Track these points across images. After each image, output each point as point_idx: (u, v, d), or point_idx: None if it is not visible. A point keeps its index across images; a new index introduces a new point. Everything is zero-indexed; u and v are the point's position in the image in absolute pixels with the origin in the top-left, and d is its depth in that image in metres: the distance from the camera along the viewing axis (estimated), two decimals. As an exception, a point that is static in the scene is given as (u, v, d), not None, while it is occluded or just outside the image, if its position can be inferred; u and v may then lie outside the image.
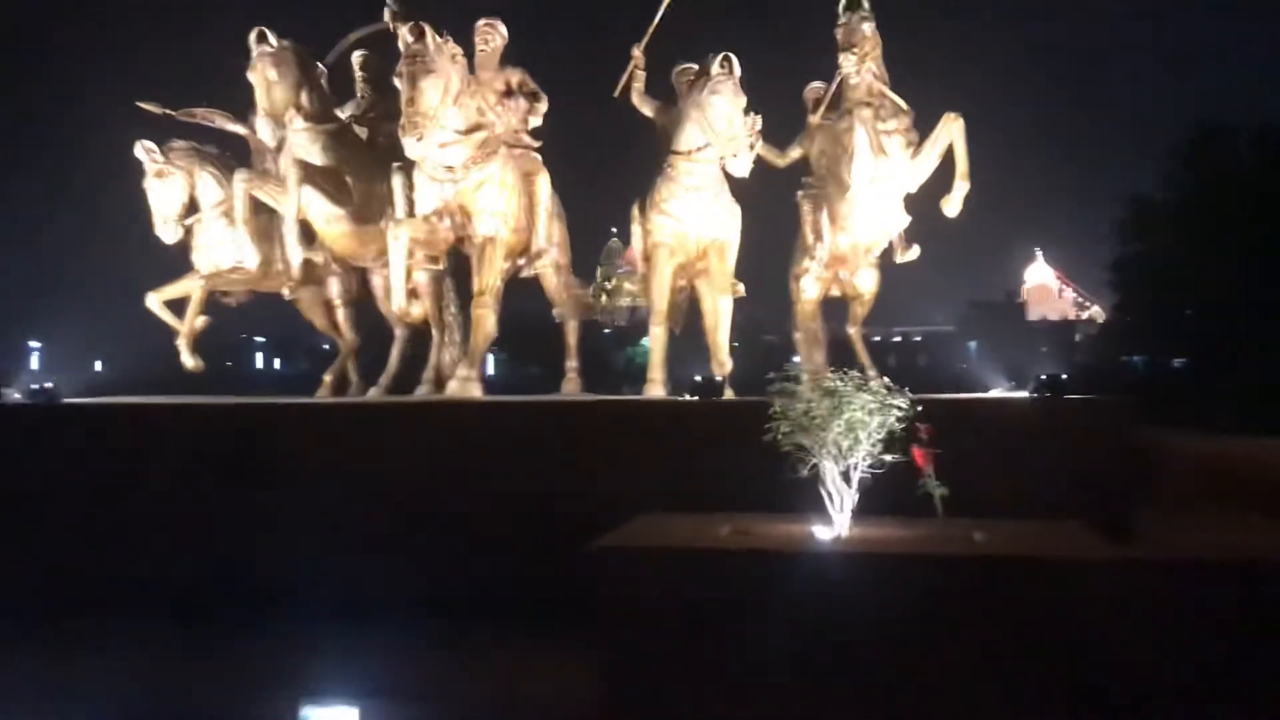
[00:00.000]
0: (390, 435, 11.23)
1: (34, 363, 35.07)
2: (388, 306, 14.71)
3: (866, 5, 13.76)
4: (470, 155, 12.53)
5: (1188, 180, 40.02)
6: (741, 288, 13.87)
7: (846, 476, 8.19)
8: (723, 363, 13.51)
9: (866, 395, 8.15)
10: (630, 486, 9.68)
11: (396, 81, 12.05)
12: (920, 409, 8.35)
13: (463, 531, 10.46)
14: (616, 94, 15.02)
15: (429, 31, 11.93)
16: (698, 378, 10.95)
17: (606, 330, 45.13)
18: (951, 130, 13.26)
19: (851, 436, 8.04)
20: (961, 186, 13.31)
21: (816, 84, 15.29)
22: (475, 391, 12.56)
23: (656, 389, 13.52)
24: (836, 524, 8.15)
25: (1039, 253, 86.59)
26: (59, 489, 11.54)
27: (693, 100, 13.02)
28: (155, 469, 11.47)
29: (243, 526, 10.97)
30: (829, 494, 8.24)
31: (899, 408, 8.22)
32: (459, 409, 11.91)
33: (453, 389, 12.84)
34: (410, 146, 11.74)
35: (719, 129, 12.65)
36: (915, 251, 14.68)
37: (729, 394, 12.62)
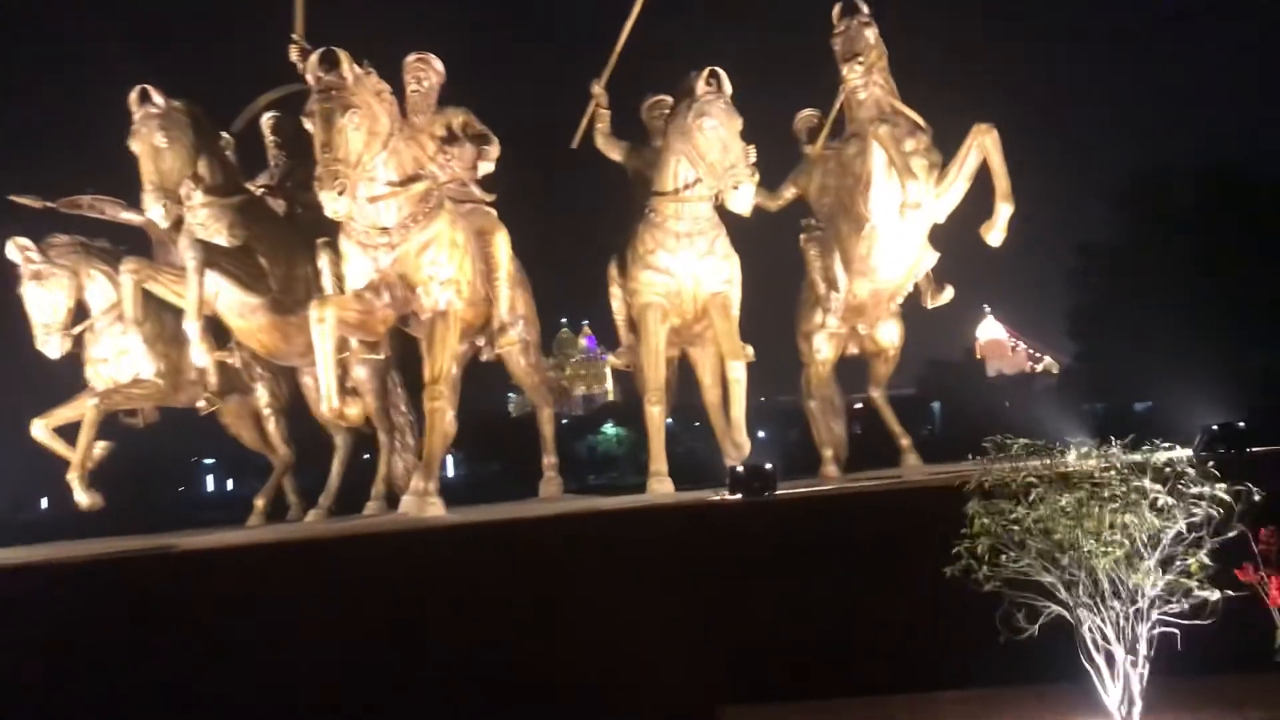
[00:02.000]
0: (331, 577, 7.86)
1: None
2: (321, 411, 11.57)
3: (866, 10, 11.14)
4: (409, 212, 9.59)
5: (1131, 225, 38.60)
6: (751, 350, 10.86)
7: (1125, 633, 4.98)
8: (741, 444, 10.56)
9: (1145, 481, 4.91)
10: (671, 652, 6.41)
11: (307, 123, 9.07)
12: (1258, 496, 4.96)
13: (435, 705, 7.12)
14: (576, 143, 12.24)
15: (346, 60, 9.04)
16: (738, 467, 7.76)
17: (564, 420, 41.92)
18: (985, 145, 10.66)
19: (1124, 556, 4.85)
20: (1004, 210, 10.64)
21: (809, 111, 12.74)
22: (436, 510, 9.38)
23: (664, 483, 10.52)
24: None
25: (988, 309, 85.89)
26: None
27: (676, 129, 10.23)
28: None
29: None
30: (1094, 666, 5.09)
31: (1215, 498, 4.90)
32: (418, 538, 8.46)
33: (408, 507, 9.72)
34: (330, 202, 8.74)
35: (713, 158, 9.86)
36: (949, 294, 12.03)
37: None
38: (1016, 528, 4.94)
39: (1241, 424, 7.52)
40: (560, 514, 8.72)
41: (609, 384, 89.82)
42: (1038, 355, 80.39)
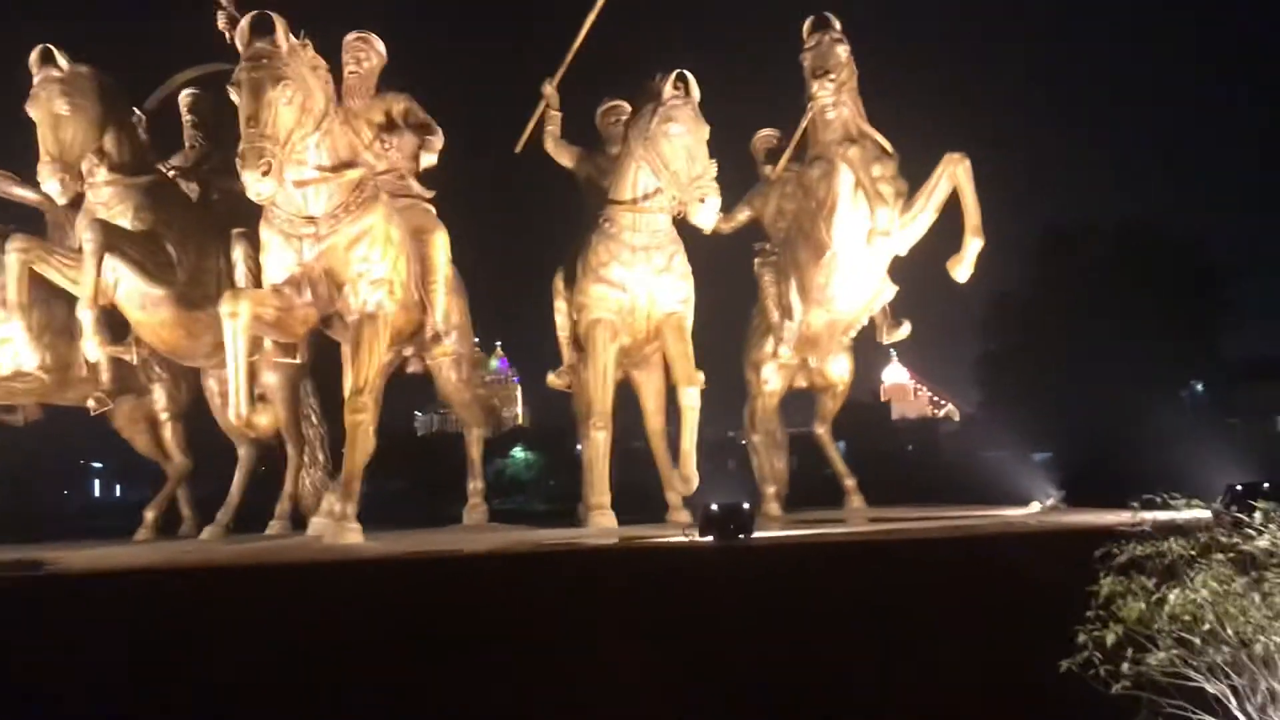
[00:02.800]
0: (230, 614, 6.59)
1: None
2: (226, 418, 10.27)
3: (838, 26, 10.39)
4: (340, 201, 8.46)
5: (1039, 278, 38.92)
6: (702, 376, 9.91)
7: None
8: (689, 478, 9.61)
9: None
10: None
11: (233, 94, 7.91)
12: None
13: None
14: (520, 147, 11.25)
15: (281, 27, 7.94)
16: (713, 505, 6.75)
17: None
18: (956, 175, 9.96)
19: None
20: (974, 244, 9.95)
21: (767, 131, 12.00)
22: (354, 537, 8.18)
23: (607, 517, 9.51)
24: None
25: (893, 353, 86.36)
26: None
27: (638, 134, 9.29)
28: None
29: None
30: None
31: None
32: (339, 570, 7.10)
33: (321, 530, 8.53)
34: (252, 183, 7.58)
35: (677, 167, 8.97)
36: (905, 329, 11.28)
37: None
38: (1170, 616, 3.86)
39: (1266, 485, 6.81)
40: (509, 550, 7.62)
41: (519, 407, 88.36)
42: (940, 401, 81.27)
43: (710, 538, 6.65)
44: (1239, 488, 6.54)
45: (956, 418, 69.53)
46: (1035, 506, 10.42)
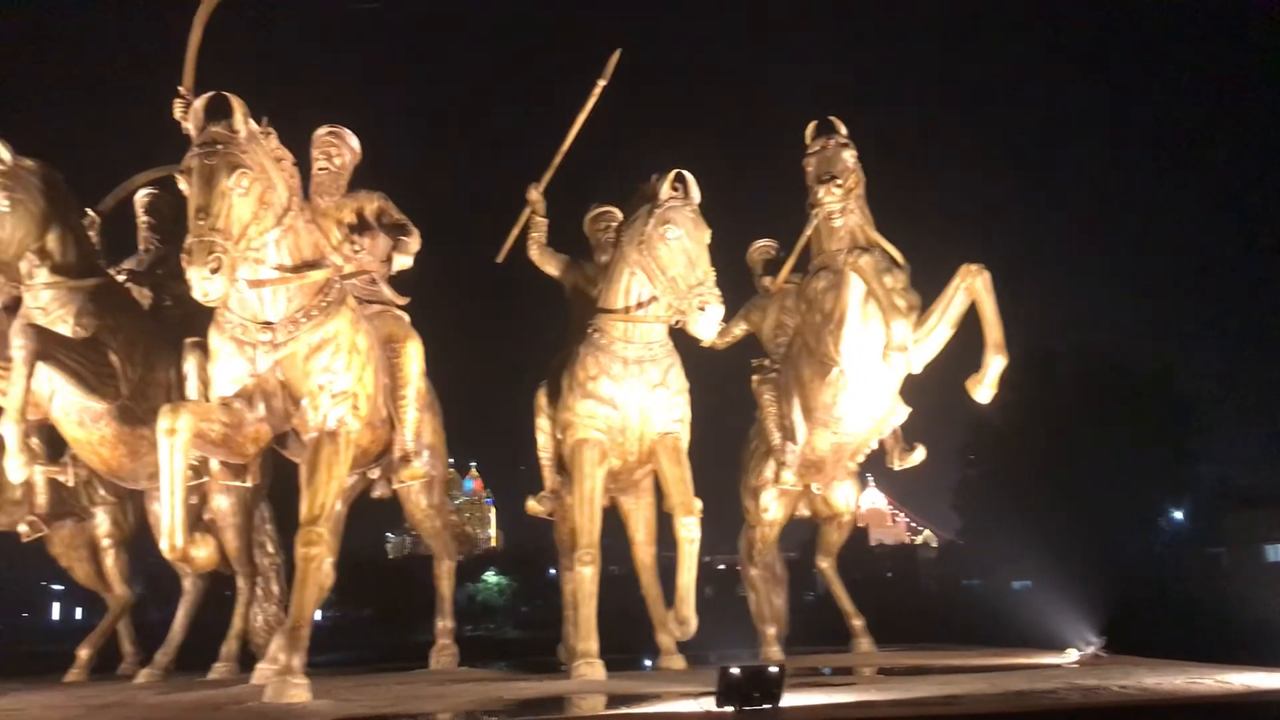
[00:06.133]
0: None
1: None
2: (163, 548, 9.02)
3: (844, 130, 9.60)
4: (300, 305, 7.36)
5: (1017, 404, 38.33)
6: (700, 504, 8.74)
7: None
8: (686, 620, 8.35)
9: None
10: None
11: (181, 182, 6.91)
12: None
13: None
14: (502, 256, 10.35)
15: (240, 110, 6.97)
16: (732, 668, 5.47)
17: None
18: (975, 287, 9.00)
19: None
20: (997, 362, 8.93)
21: (764, 242, 11.18)
22: (298, 695, 6.82)
23: (595, 667, 8.18)
24: None
25: (869, 478, 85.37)
26: None
27: (633, 238, 8.32)
28: None
29: None
30: None
31: None
32: None
33: (264, 681, 7.20)
34: (199, 281, 6.45)
35: (675, 273, 7.98)
36: (920, 454, 10.21)
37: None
38: None
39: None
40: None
41: (492, 529, 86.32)
42: (918, 527, 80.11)
43: (730, 708, 5.40)
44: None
45: (935, 544, 68.40)
46: (1073, 654, 9.19)
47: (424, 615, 11.81)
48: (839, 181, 9.33)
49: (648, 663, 10.36)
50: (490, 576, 50.02)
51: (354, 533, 10.36)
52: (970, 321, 9.20)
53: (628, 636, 10.41)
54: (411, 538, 78.91)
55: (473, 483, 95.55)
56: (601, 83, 9.87)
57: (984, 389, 9.04)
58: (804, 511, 11.03)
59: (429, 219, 9.41)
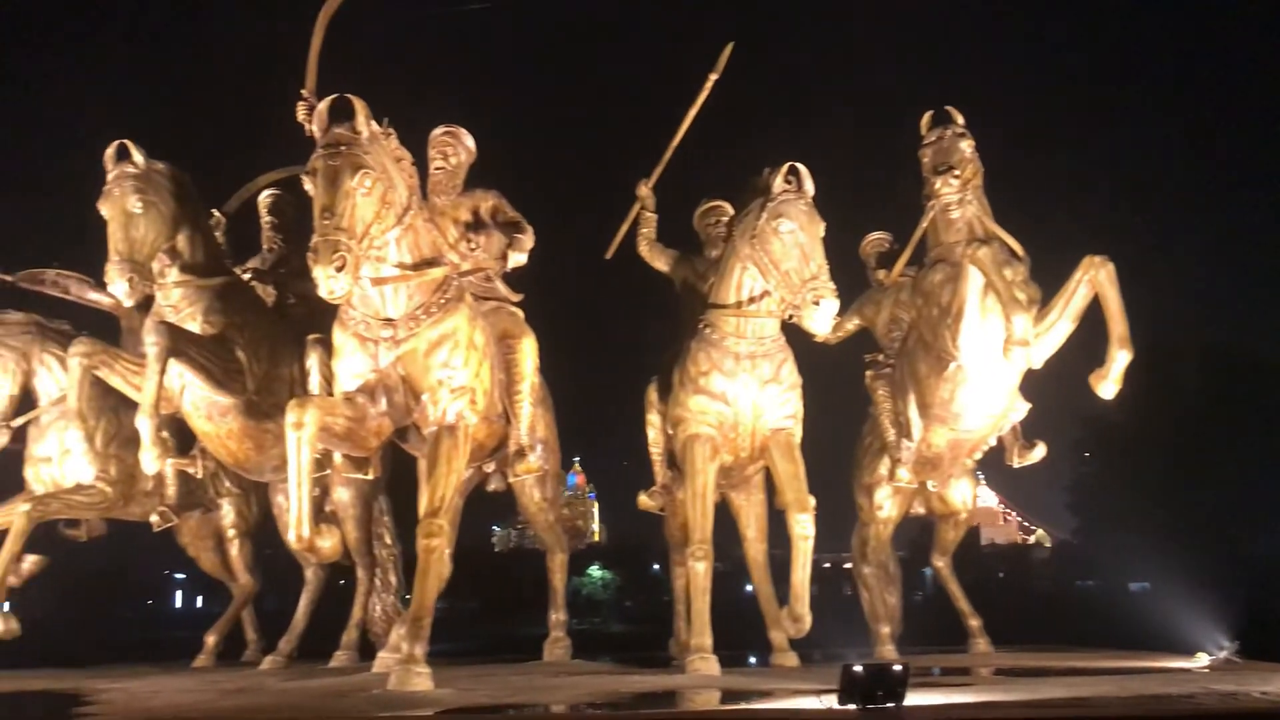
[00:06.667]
0: None
1: None
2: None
3: (961, 120, 9.40)
4: (420, 302, 7.52)
5: (1138, 398, 36.97)
6: (813, 501, 8.66)
7: None
8: (801, 617, 8.29)
9: None
10: None
11: (307, 183, 7.12)
12: None
13: None
14: (611, 252, 10.40)
15: (362, 111, 7.14)
16: (855, 665, 5.45)
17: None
18: (1098, 280, 8.70)
19: None
20: (1122, 357, 8.64)
21: (878, 235, 11.00)
22: (421, 683, 6.99)
23: (710, 663, 8.18)
24: None
25: (980, 476, 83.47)
26: None
27: (745, 232, 8.29)
28: None
29: None
30: None
31: None
32: None
33: (386, 669, 7.40)
34: (324, 280, 6.65)
35: (789, 267, 7.93)
36: (1040, 451, 9.98)
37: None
38: None
39: None
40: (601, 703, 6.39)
41: (595, 523, 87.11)
42: (1030, 527, 77.96)
43: (852, 705, 5.34)
44: None
45: (1048, 544, 66.48)
46: (1204, 658, 8.86)
47: (529, 608, 11.96)
48: (956, 172, 9.14)
49: (752, 660, 10.34)
50: (594, 571, 50.40)
51: (461, 526, 10.55)
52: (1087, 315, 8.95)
53: (734, 633, 10.40)
54: (516, 531, 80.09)
55: (576, 478, 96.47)
56: (714, 76, 9.84)
57: (1109, 384, 8.76)
58: (918, 509, 10.86)
59: (540, 216, 9.51)
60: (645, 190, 10.23)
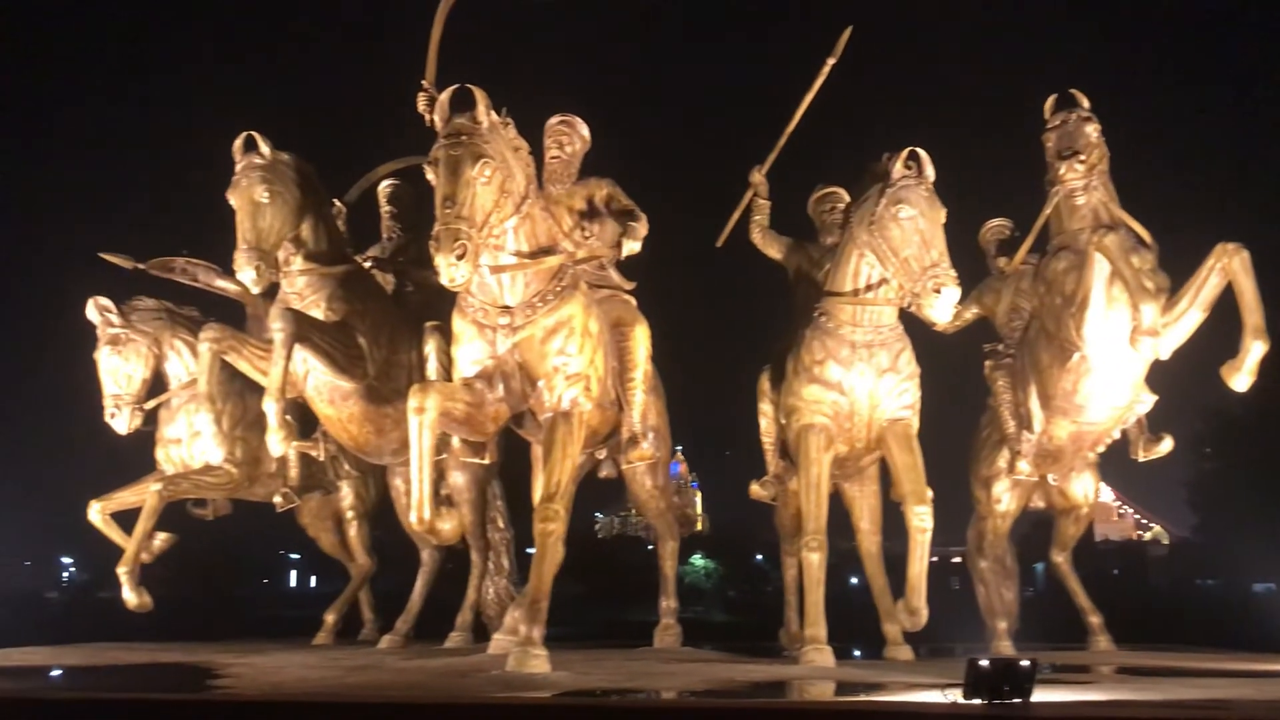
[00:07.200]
0: None
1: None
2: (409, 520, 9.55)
3: (1086, 104, 9.10)
4: (537, 290, 7.63)
5: (1266, 391, 35.46)
6: (931, 493, 8.52)
7: None
8: (917, 610, 8.19)
9: None
10: None
11: (429, 172, 7.26)
12: None
13: None
14: (722, 240, 10.35)
15: (483, 101, 7.25)
16: (982, 660, 5.39)
17: (649, 546, 38.95)
18: (1231, 267, 8.32)
19: None
20: (1257, 348, 8.24)
21: (998, 222, 10.76)
22: (539, 665, 7.13)
23: (824, 653, 8.16)
24: None
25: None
26: None
27: (863, 219, 8.19)
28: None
29: None
30: None
31: None
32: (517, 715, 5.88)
33: (503, 651, 7.53)
34: (446, 268, 6.80)
35: (909, 254, 7.82)
36: (1167, 445, 9.64)
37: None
38: None
39: None
40: (723, 692, 6.41)
41: (698, 512, 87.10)
42: (1147, 523, 75.36)
43: (979, 700, 5.26)
44: None
45: (1165, 541, 64.14)
46: None
47: (633, 594, 12.02)
48: (1081, 157, 8.87)
49: (856, 652, 10.23)
50: (697, 560, 50.22)
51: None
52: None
53: (841, 625, 10.33)
54: (620, 518, 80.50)
55: (679, 466, 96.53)
56: (831, 61, 9.70)
57: (1242, 376, 8.39)
58: (1037, 503, 10.60)
59: (653, 203, 9.52)
60: (759, 177, 10.16)
